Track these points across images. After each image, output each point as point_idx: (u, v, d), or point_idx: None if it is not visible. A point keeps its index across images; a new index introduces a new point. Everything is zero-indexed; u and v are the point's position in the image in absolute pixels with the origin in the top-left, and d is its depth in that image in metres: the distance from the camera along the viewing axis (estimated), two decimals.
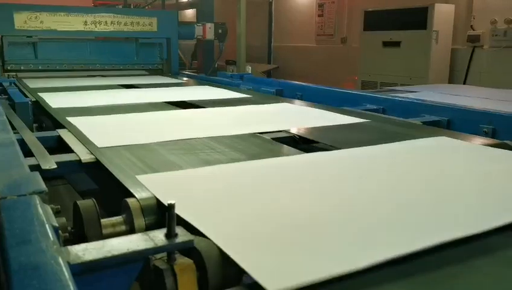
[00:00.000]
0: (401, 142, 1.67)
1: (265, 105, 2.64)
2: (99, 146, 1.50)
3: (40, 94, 2.83)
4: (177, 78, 4.43)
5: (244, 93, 3.18)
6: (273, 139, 1.74)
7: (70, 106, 2.46)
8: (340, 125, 2.05)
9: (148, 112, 2.34)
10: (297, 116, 2.31)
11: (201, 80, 4.24)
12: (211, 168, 1.32)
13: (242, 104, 2.66)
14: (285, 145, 1.69)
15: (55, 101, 2.58)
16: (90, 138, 1.61)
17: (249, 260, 0.74)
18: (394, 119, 2.18)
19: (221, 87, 3.51)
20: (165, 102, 2.70)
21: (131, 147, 1.55)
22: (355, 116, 2.19)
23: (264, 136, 1.77)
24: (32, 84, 3.50)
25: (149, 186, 1.07)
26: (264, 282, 0.67)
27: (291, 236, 0.86)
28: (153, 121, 2.13)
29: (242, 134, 1.79)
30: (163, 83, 3.87)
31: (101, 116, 2.17)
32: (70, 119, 1.99)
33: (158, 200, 0.99)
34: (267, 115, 2.37)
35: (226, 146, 1.61)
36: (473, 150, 1.61)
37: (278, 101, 2.78)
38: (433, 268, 0.80)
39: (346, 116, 2.21)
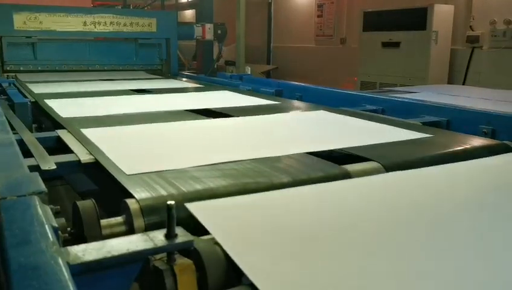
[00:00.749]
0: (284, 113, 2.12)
1: (302, 113, 2.38)
2: (127, 173, 1.19)
3: (47, 101, 2.54)
4: (192, 81, 4.18)
5: (270, 99, 2.80)
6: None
7: (81, 115, 2.13)
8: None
9: (169, 122, 1.99)
10: (340, 130, 1.97)
11: (200, 80, 4.24)
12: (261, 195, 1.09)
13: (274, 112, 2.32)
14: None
15: (63, 109, 2.25)
16: (114, 161, 1.32)
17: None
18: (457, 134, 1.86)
19: (237, 91, 3.18)
20: (186, 110, 2.35)
21: (163, 173, 1.19)
22: (412, 130, 1.84)
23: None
24: (36, 88, 3.22)
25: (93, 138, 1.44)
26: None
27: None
28: (179, 134, 1.81)
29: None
30: (178, 88, 3.50)
31: (117, 127, 1.86)
32: (85, 131, 1.69)
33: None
34: (309, 127, 2.04)
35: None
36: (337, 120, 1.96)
37: (313, 109, 2.44)
38: None
39: (403, 129, 1.87)
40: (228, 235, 0.83)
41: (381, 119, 2.13)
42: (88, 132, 1.68)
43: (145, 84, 3.69)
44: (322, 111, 2.34)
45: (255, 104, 2.67)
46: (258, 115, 2.21)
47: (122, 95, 3.03)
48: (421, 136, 1.75)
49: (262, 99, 2.81)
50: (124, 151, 1.49)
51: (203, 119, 2.14)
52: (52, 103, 2.47)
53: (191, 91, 3.48)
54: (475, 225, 0.95)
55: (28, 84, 3.40)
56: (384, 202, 1.07)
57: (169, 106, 2.53)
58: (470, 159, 1.44)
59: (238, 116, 2.18)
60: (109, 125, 1.89)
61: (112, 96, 2.91)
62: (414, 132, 1.81)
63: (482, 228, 0.93)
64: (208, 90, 3.35)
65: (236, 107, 2.51)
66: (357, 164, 1.33)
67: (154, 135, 1.78)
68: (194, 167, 1.26)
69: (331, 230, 0.90)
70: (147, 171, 1.19)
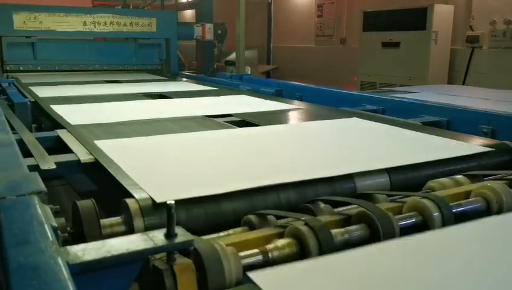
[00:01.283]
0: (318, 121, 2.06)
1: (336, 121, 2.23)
2: (73, 124, 1.89)
3: (54, 107, 2.33)
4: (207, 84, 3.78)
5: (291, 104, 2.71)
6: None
7: (93, 121, 1.98)
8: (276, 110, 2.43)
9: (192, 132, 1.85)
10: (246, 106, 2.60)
11: (200, 80, 4.23)
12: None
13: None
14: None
15: (73, 116, 2.04)
16: (67, 119, 1.95)
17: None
18: (324, 107, 2.55)
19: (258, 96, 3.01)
20: (206, 116, 2.20)
21: (101, 125, 1.99)
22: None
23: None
24: (41, 92, 3.01)
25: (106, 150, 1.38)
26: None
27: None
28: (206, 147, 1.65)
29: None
30: (191, 91, 3.31)
31: (135, 138, 1.70)
32: (99, 143, 1.54)
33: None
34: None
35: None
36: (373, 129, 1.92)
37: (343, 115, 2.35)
38: None
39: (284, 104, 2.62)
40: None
41: (381, 119, 2.13)
42: (102, 144, 1.50)
43: (154, 87, 3.49)
44: (355, 118, 2.14)
45: (277, 108, 2.51)
46: (285, 123, 2.22)
47: (133, 99, 2.79)
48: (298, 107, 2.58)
49: (282, 104, 2.65)
50: (149, 170, 1.28)
51: (227, 128, 1.95)
52: (59, 109, 2.26)
53: (206, 95, 3.12)
54: None
55: (32, 88, 3.18)
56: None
57: (186, 112, 2.29)
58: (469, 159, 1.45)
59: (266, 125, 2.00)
60: (125, 136, 1.71)
61: (123, 102, 2.65)
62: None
63: None
64: (225, 94, 3.07)
65: (258, 112, 2.35)
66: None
67: (176, 147, 1.59)
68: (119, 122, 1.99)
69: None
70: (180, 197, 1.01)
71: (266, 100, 2.78)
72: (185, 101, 2.84)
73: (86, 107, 2.49)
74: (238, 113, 2.26)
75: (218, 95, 3.04)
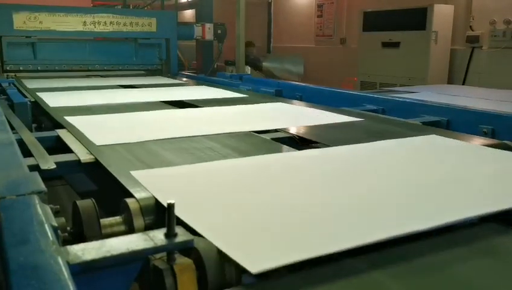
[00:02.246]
0: (392, 140, 1.68)
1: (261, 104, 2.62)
2: (97, 144, 1.53)
3: (68, 118, 2.00)
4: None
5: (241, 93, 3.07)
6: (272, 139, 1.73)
7: (120, 140, 1.64)
8: (334, 124, 2.06)
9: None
10: (292, 116, 2.30)
11: (200, 81, 4.23)
12: (206, 165, 1.33)
13: (238, 104, 2.65)
14: (279, 144, 1.70)
15: (92, 131, 1.74)
16: (88, 137, 1.63)
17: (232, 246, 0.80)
18: (389, 119, 2.21)
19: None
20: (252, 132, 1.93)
21: (128, 145, 1.56)
22: (350, 116, 2.19)
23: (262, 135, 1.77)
24: (51, 100, 2.63)
25: (143, 181, 1.09)
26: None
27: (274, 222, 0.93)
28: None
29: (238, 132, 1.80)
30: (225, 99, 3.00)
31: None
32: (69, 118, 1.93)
33: (156, 200, 1.00)
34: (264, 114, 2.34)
35: (223, 145, 1.60)
36: (463, 148, 1.62)
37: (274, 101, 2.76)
38: (416, 257, 0.85)
39: (341, 115, 2.22)
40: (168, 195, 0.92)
41: (381, 119, 2.13)
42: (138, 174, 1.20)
43: (174, 93, 3.20)
44: (280, 103, 2.63)
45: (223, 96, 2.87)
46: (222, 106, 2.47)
47: (155, 109, 2.45)
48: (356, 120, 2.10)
49: (233, 93, 3.04)
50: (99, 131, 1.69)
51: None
52: (77, 122, 1.92)
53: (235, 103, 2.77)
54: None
55: (40, 95, 2.86)
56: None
57: (225, 127, 1.93)
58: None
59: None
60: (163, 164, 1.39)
61: (144, 112, 2.32)
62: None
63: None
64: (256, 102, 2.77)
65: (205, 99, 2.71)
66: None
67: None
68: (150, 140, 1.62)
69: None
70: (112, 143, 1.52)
71: (305, 108, 2.53)
72: (216, 110, 2.46)
73: (106, 120, 2.09)
74: (284, 128, 1.90)
75: (248, 103, 2.72)
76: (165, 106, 2.58)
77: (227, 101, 2.80)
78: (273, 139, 1.73)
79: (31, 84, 3.51)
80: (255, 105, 2.65)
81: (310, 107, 2.54)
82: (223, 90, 3.36)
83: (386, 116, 2.34)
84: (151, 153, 1.49)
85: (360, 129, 1.97)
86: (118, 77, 4.44)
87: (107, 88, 3.51)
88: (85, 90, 3.29)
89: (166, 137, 1.68)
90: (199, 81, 4.14)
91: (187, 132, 1.78)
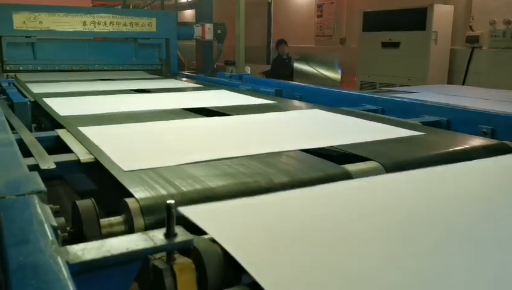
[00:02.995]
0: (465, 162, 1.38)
1: (297, 111, 2.37)
2: (125, 169, 1.20)
3: (82, 129, 1.74)
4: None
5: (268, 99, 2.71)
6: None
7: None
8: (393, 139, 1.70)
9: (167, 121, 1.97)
10: (335, 128, 1.97)
11: (200, 81, 4.23)
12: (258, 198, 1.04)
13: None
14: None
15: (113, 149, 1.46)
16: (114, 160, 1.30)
17: None
18: (377, 116, 2.19)
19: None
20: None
21: (161, 169, 1.20)
22: (406, 128, 1.85)
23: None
24: (59, 106, 2.35)
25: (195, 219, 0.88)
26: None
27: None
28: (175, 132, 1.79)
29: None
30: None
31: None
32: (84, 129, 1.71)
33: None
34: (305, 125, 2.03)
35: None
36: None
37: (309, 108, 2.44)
38: None
39: (397, 128, 1.87)
40: (229, 237, 0.81)
41: (381, 119, 2.13)
42: (86, 130, 1.68)
43: (195, 97, 2.97)
44: (316, 110, 2.35)
45: (250, 103, 2.62)
46: (253, 113, 2.20)
47: (179, 118, 2.13)
48: (417, 134, 1.76)
49: (258, 99, 2.77)
50: (122, 148, 1.46)
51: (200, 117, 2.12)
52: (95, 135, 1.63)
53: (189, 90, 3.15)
54: (473, 226, 0.92)
55: (46, 100, 2.57)
56: (383, 204, 1.03)
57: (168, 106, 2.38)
58: (469, 158, 1.44)
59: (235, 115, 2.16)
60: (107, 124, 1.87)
61: (167, 122, 2.01)
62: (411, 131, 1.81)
63: (480, 229, 0.91)
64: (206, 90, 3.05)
65: (233, 106, 2.45)
66: (356, 163, 1.32)
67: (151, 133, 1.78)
68: (190, 163, 1.26)
69: (327, 231, 0.87)
70: (143, 167, 1.20)
71: (243, 95, 2.66)
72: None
73: (126, 134, 1.78)
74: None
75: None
76: (189, 115, 2.23)
77: (257, 108, 2.46)
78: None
79: (36, 88, 3.20)
80: (291, 112, 2.38)
81: (349, 115, 2.20)
82: (245, 95, 3.00)
83: (378, 115, 2.29)
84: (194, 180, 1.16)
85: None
86: (126, 80, 4.07)
87: (118, 93, 3.14)
88: (95, 95, 2.93)
89: (207, 159, 1.34)
90: (199, 81, 4.14)
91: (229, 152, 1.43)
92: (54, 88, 3.25)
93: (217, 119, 2.13)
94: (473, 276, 0.73)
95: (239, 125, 2.00)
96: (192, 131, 1.88)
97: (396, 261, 0.76)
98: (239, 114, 2.22)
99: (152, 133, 1.81)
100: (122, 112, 2.26)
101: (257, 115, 2.21)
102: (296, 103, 2.84)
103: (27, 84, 3.35)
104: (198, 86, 3.79)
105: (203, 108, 2.40)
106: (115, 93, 3.07)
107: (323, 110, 2.36)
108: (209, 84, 3.84)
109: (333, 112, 2.29)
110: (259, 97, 2.90)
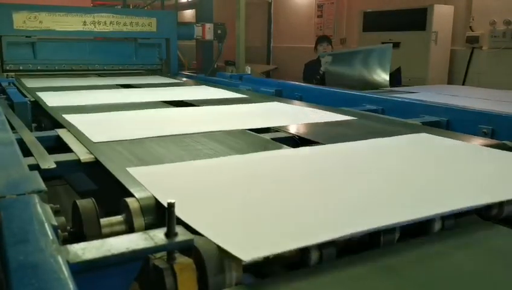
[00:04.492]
0: (381, 138, 1.71)
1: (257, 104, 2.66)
2: (94, 141, 1.56)
3: (66, 116, 2.03)
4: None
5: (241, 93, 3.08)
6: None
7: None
8: (330, 122, 2.10)
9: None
10: (290, 115, 2.34)
11: (200, 80, 4.23)
12: (202, 162, 1.36)
13: (237, 104, 2.68)
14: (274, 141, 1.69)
15: (89, 129, 1.75)
16: (86, 134, 1.65)
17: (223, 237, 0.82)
18: (378, 116, 2.29)
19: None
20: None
21: (124, 142, 1.58)
22: (346, 115, 2.23)
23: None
24: (49, 98, 2.61)
25: (140, 179, 1.11)
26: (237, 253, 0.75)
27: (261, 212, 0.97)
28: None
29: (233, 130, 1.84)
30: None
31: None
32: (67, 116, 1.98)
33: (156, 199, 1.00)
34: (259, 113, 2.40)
35: (218, 143, 1.62)
36: (452, 145, 1.65)
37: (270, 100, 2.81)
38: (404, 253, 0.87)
39: (337, 114, 2.27)
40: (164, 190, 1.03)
41: (381, 119, 2.13)
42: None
43: (173, 92, 3.23)
44: (275, 102, 2.70)
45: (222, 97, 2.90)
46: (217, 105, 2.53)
47: (155, 108, 2.45)
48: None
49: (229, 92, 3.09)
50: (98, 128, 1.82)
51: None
52: (75, 120, 1.93)
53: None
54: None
55: (38, 93, 2.79)
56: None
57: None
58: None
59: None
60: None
61: (142, 111, 2.33)
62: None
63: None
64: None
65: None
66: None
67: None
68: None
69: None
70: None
71: (303, 107, 2.56)
72: (214, 109, 2.51)
73: (104, 119, 2.09)
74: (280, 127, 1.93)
75: (247, 103, 2.72)
76: (164, 105, 2.62)
77: (226, 101, 2.83)
78: (271, 138, 1.74)
79: (30, 83, 3.51)
80: (253, 104, 2.69)
81: (307, 106, 2.57)
82: (223, 90, 3.36)
83: (379, 115, 2.36)
84: (148, 150, 1.51)
85: (354, 128, 2.02)
86: (118, 76, 4.40)
87: (107, 88, 3.50)
88: (84, 89, 3.27)
89: (163, 134, 1.71)
90: (199, 81, 4.14)
91: (184, 129, 1.81)
92: (47, 83, 3.47)
93: (187, 108, 2.53)
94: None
95: (203, 113, 2.40)
96: (161, 116, 2.25)
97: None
98: (207, 105, 2.59)
99: (125, 117, 2.18)
100: (104, 103, 2.60)
101: (223, 106, 2.58)
102: (267, 97, 3.06)
103: (22, 79, 3.54)
104: (181, 81, 4.13)
105: (179, 101, 2.77)
106: (102, 88, 3.44)
107: (283, 102, 2.74)
108: (209, 84, 3.84)
109: (297, 105, 2.66)
110: (236, 92, 3.22)
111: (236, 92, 3.19)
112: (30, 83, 3.51)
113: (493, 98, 2.89)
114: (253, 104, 2.71)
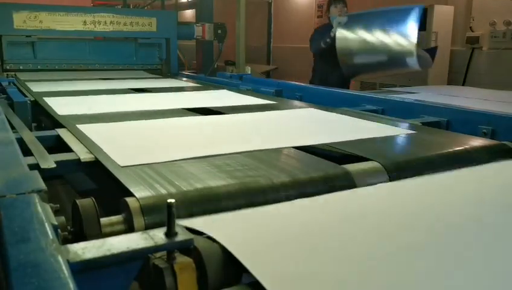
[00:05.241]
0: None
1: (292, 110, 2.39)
2: (121, 165, 1.24)
3: (80, 126, 1.79)
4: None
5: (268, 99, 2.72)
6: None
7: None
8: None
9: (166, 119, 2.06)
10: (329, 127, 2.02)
11: (200, 80, 4.23)
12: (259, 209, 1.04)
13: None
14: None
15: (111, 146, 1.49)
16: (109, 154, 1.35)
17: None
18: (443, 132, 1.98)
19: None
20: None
21: (156, 165, 1.23)
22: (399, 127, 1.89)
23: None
24: (58, 106, 2.34)
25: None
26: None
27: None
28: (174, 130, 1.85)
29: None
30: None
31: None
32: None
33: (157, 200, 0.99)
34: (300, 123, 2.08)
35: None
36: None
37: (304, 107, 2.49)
38: None
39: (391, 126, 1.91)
40: (232, 240, 0.82)
41: (381, 119, 2.13)
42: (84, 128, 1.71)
43: (194, 97, 3.00)
44: (311, 109, 2.41)
45: (249, 103, 2.61)
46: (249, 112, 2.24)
47: (178, 116, 2.13)
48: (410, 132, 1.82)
49: (258, 99, 2.76)
50: (119, 145, 1.53)
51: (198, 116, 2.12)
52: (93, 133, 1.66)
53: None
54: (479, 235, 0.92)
55: (45, 98, 2.57)
56: (387, 211, 1.04)
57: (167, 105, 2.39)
58: (469, 158, 1.45)
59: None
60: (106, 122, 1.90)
61: (166, 120, 2.02)
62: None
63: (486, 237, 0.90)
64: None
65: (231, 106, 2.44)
66: (356, 164, 1.32)
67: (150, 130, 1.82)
68: (187, 159, 1.30)
69: (327, 236, 0.89)
70: (140, 163, 1.25)
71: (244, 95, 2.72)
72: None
73: (125, 131, 1.81)
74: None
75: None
76: (188, 113, 2.23)
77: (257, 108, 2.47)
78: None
79: (35, 87, 3.18)
80: (288, 111, 2.43)
81: (344, 114, 2.23)
82: (248, 96, 2.97)
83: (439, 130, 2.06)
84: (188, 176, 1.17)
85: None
86: (126, 79, 3.99)
87: (119, 92, 3.10)
88: (95, 94, 2.90)
89: (198, 155, 1.36)
90: (200, 81, 4.14)
91: (220, 148, 1.46)
92: (55, 87, 3.22)
93: (217, 117, 2.17)
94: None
95: (234, 124, 2.02)
96: (188, 129, 1.90)
97: (391, 263, 0.77)
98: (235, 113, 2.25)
99: (148, 130, 1.86)
100: (121, 111, 2.28)
101: (253, 113, 2.26)
102: (294, 102, 2.83)
103: (27, 84, 3.35)
104: (200, 85, 3.74)
105: (202, 108, 2.37)
106: (114, 93, 3.07)
107: (320, 109, 2.41)
108: (209, 84, 3.84)
109: (332, 112, 2.31)
110: (259, 97, 2.90)
111: (264, 99, 2.80)
112: (34, 86, 3.18)
113: (493, 99, 2.89)
114: (286, 110, 2.44)
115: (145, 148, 1.51)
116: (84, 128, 1.74)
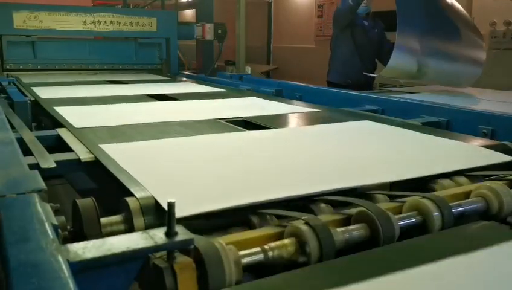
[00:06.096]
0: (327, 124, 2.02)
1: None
2: (76, 127, 1.78)
3: (56, 108, 2.28)
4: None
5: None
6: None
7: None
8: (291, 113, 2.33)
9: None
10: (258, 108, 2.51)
11: (200, 80, 4.23)
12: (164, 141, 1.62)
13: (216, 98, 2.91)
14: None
15: (75, 117, 2.00)
16: (70, 121, 1.88)
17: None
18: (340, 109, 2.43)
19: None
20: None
21: (105, 128, 1.83)
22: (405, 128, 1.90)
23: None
24: (42, 92, 2.89)
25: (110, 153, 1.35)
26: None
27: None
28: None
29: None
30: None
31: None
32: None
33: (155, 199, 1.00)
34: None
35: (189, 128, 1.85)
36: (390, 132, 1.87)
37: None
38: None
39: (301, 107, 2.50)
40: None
41: (381, 120, 2.13)
42: (108, 147, 1.45)
43: (159, 88, 3.39)
44: (253, 98, 2.89)
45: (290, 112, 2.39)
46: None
47: (139, 101, 2.72)
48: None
49: (296, 106, 2.55)
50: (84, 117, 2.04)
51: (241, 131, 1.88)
52: (62, 110, 2.22)
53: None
54: None
55: (33, 88, 3.01)
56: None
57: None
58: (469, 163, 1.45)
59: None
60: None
61: (126, 104, 2.57)
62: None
63: None
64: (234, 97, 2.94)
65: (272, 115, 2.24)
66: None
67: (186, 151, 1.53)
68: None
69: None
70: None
71: (278, 103, 2.68)
72: (193, 103, 2.69)
73: (90, 110, 2.40)
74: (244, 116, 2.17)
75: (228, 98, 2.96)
76: (148, 99, 2.87)
77: (207, 95, 3.10)
78: (229, 122, 2.04)
79: (27, 80, 3.72)
80: (232, 99, 2.90)
81: (280, 102, 2.75)
82: (203, 86, 3.66)
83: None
84: (124, 133, 1.75)
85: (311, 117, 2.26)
86: (136, 82, 3.88)
87: (98, 83, 3.78)
88: (77, 85, 3.54)
89: (140, 122, 1.96)
90: (198, 81, 4.14)
91: (161, 118, 2.07)
92: (62, 92, 3.04)
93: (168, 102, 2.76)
94: None
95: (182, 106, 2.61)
96: (142, 108, 2.49)
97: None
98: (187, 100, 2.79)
99: (109, 108, 2.45)
100: (93, 96, 2.88)
101: (203, 100, 2.78)
102: (244, 92, 3.20)
103: (33, 88, 3.10)
104: (167, 78, 4.34)
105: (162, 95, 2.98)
106: (93, 84, 3.70)
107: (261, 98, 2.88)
108: (209, 84, 3.84)
109: (272, 100, 2.79)
110: (214, 87, 3.51)
111: (214, 87, 3.50)
112: (26, 79, 3.78)
113: (493, 99, 2.89)
114: (231, 99, 2.92)
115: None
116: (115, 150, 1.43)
